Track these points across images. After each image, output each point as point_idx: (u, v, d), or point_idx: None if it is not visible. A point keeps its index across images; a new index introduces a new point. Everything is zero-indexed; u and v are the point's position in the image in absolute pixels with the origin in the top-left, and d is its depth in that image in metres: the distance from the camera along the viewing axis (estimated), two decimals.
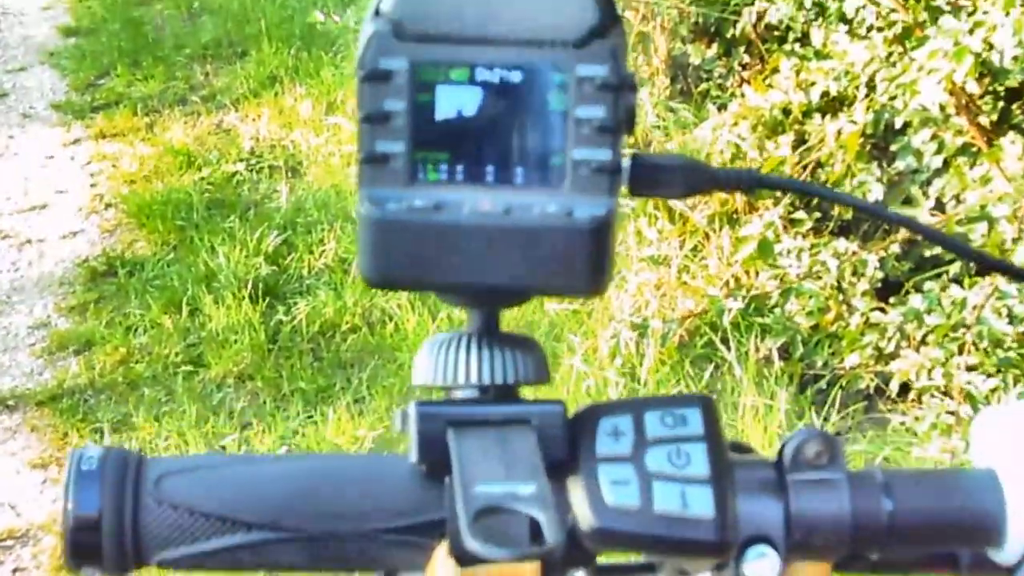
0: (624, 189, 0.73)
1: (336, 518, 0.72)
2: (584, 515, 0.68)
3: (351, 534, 0.72)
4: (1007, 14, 2.42)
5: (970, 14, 2.64)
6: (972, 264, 2.86)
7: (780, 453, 0.73)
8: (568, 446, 0.71)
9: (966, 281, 2.77)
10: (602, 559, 0.75)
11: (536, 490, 0.64)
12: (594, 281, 0.70)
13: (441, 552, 0.70)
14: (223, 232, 4.48)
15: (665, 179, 0.75)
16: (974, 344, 2.57)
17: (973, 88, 2.53)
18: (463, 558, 0.69)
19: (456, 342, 0.73)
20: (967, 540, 0.74)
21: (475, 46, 0.67)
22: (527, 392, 0.76)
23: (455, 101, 0.68)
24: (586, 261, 0.69)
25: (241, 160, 5.11)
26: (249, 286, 4.06)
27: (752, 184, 0.79)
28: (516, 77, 0.68)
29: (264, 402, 3.59)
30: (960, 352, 2.57)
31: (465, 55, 0.67)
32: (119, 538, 0.71)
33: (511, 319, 0.84)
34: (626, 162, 0.72)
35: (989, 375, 2.61)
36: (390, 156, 0.68)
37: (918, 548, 0.77)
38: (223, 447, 3.38)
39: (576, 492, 0.69)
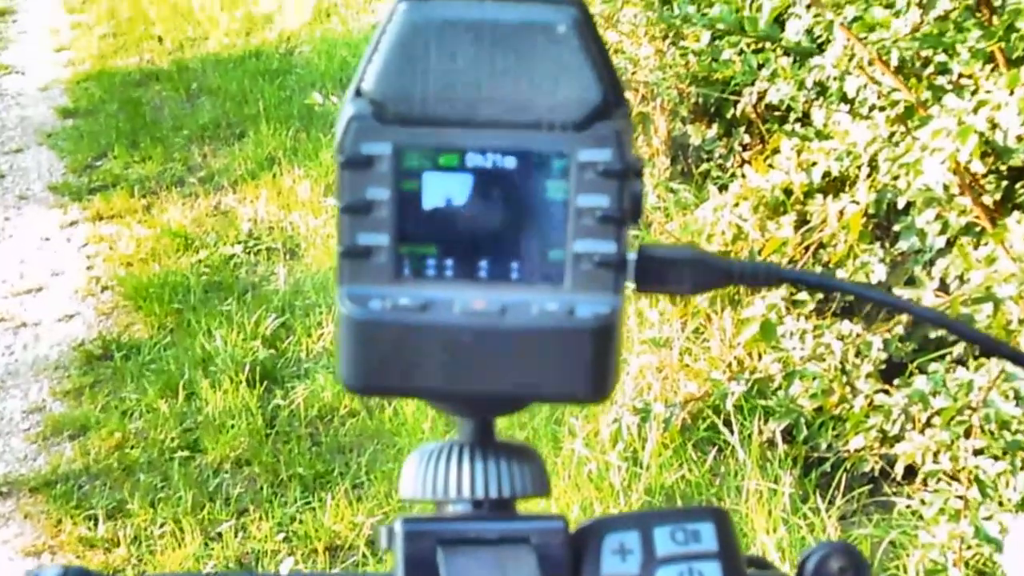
0: (630, 285, 0.67)
1: None
2: None
3: None
4: (1011, 92, 2.41)
5: (973, 92, 2.62)
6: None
7: (800, 569, 0.68)
8: (571, 566, 0.66)
9: (971, 363, 2.74)
10: None
11: None
12: (597, 386, 0.64)
13: None
14: (220, 315, 4.44)
15: (674, 274, 0.70)
16: (981, 427, 2.52)
17: (978, 167, 2.51)
18: None
19: (447, 452, 0.69)
20: None
21: (465, 129, 0.63)
22: (525, 506, 0.71)
23: (444, 189, 0.63)
24: (589, 365, 0.63)
25: (239, 242, 5.09)
26: (246, 370, 4.02)
27: (771, 280, 0.74)
28: (511, 163, 0.63)
29: (261, 488, 3.53)
30: (967, 436, 2.52)
31: (454, 139, 0.63)
32: None
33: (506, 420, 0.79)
34: (632, 255, 0.67)
35: (996, 458, 2.56)
36: (373, 249, 0.63)
37: None
38: (218, 533, 3.33)
39: None
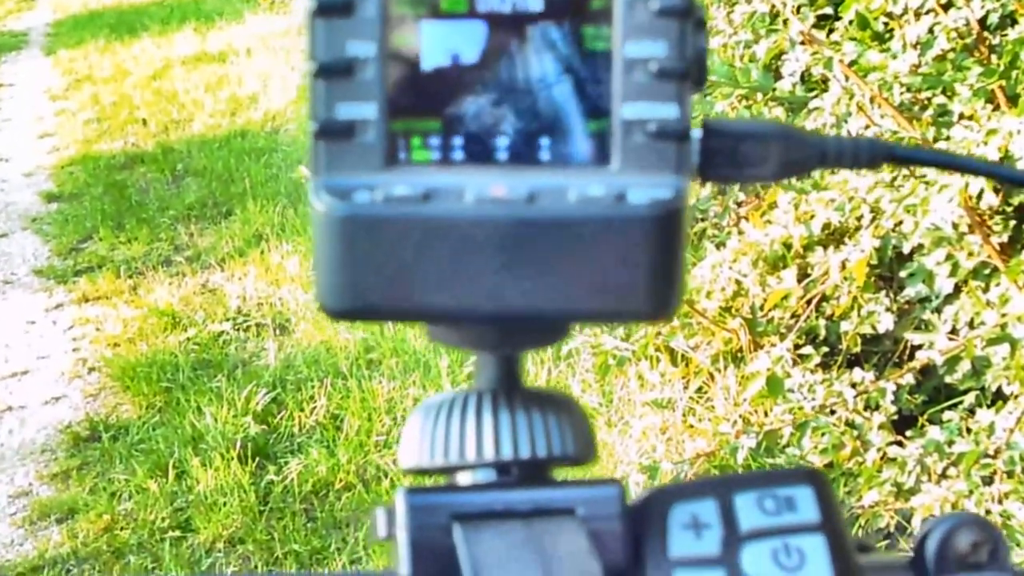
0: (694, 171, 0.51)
1: None
2: None
3: None
4: (1022, 121, 2.33)
5: (977, 125, 2.56)
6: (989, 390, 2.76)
7: (920, 547, 0.55)
8: (629, 545, 0.50)
9: (986, 405, 2.66)
10: None
11: None
12: (659, 298, 0.49)
13: None
14: (210, 392, 4.35)
15: (753, 154, 0.54)
16: (1008, 473, 2.43)
17: (992, 200, 2.42)
18: None
19: (462, 404, 0.53)
20: None
21: None
22: (563, 474, 0.54)
23: (448, 43, 0.48)
24: (648, 268, 0.48)
25: (228, 319, 5.01)
26: (238, 446, 3.92)
27: (876, 157, 0.58)
28: (536, 3, 0.48)
29: (256, 566, 3.43)
30: (989, 482, 2.43)
31: None
32: None
33: None
34: (697, 132, 0.52)
35: None
36: (357, 125, 0.48)
37: None
38: None
39: None
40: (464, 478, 0.53)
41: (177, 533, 3.63)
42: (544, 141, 0.48)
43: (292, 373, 4.42)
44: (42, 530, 3.79)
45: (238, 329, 4.93)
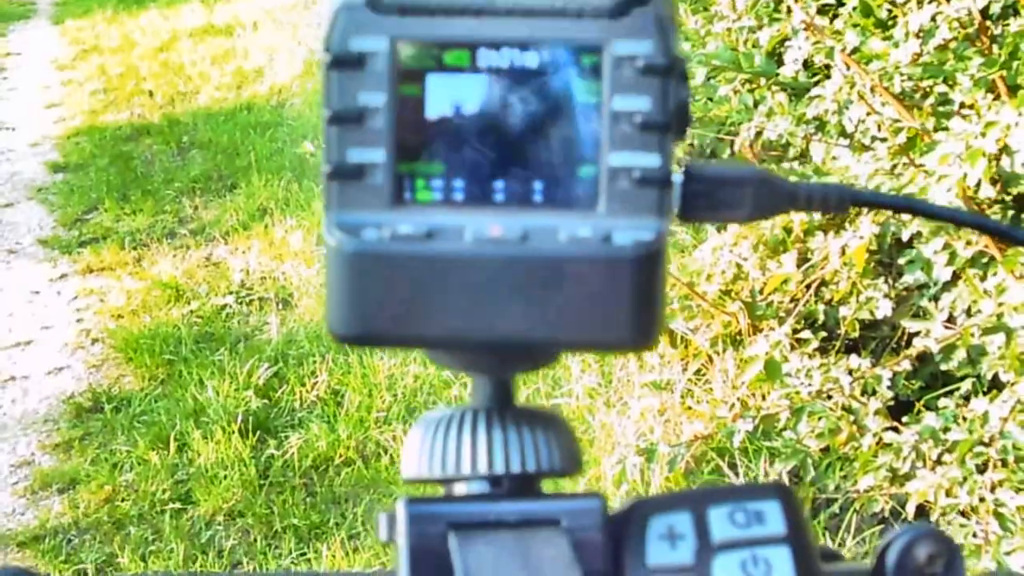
0: (674, 212, 0.56)
1: None
2: None
3: None
4: (1021, 113, 2.34)
5: (978, 115, 2.57)
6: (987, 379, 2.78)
7: (881, 558, 0.58)
8: (610, 554, 0.55)
9: (982, 393, 2.68)
10: None
11: None
12: (641, 329, 0.53)
13: None
14: (212, 365, 4.38)
15: (730, 196, 0.59)
16: (1002, 461, 2.45)
17: (988, 192, 2.44)
18: None
19: (458, 421, 0.58)
20: None
21: (477, 19, 0.52)
22: (551, 486, 0.59)
23: (451, 94, 0.52)
24: (630, 302, 0.52)
25: (231, 293, 5.03)
26: (239, 420, 3.95)
27: (843, 202, 0.62)
28: (532, 60, 0.52)
29: (255, 540, 3.45)
30: (983, 470, 2.45)
31: (464, 32, 0.52)
32: None
33: None
34: (677, 176, 0.56)
35: (1018, 490, 2.49)
36: (367, 168, 0.53)
37: None
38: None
39: None
40: (460, 489, 0.57)
41: (177, 505, 3.65)
42: (538, 185, 0.53)
43: (294, 348, 4.45)
44: (43, 500, 3.82)
45: (241, 303, 4.95)
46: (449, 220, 0.53)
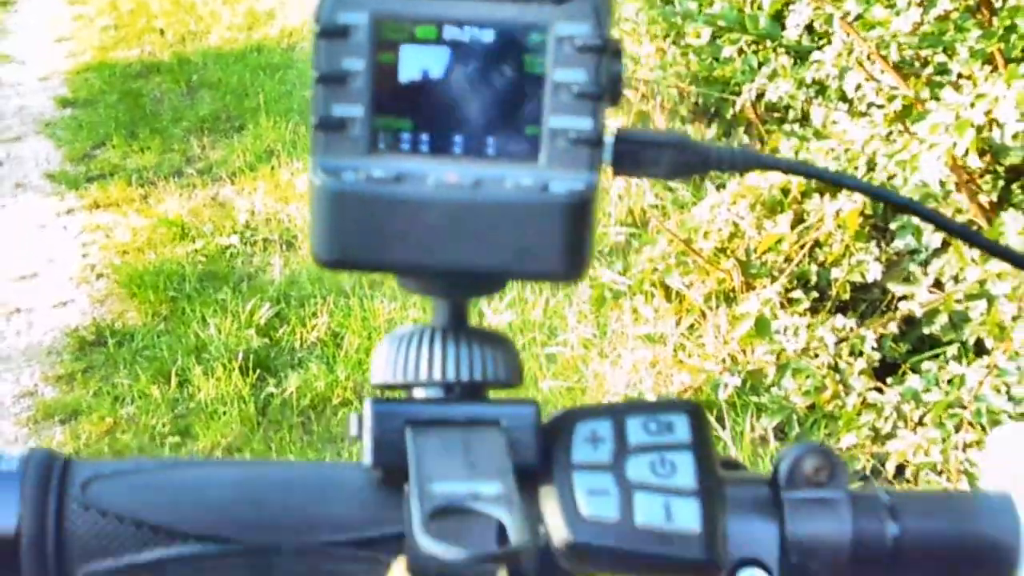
0: (607, 167, 0.66)
1: (282, 529, 0.65)
2: (558, 528, 0.61)
3: (298, 547, 0.65)
4: (1009, 86, 2.41)
5: (974, 86, 2.63)
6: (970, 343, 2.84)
7: (775, 469, 0.66)
8: (541, 452, 0.64)
9: (966, 358, 2.74)
10: None
11: (501, 490, 0.58)
12: (572, 263, 0.63)
13: (397, 569, 0.64)
14: (215, 304, 4.44)
15: (652, 157, 0.68)
16: (971, 423, 2.52)
17: (975, 163, 2.51)
18: (423, 574, 0.63)
19: (419, 336, 0.67)
20: (978, 568, 0.67)
21: (444, 1, 0.61)
22: (496, 395, 0.69)
23: (420, 62, 0.62)
24: (563, 241, 0.62)
25: (235, 233, 5.08)
26: (240, 358, 4.01)
27: (748, 165, 0.72)
28: (488, 36, 0.62)
29: None
30: (957, 430, 2.52)
31: (432, 11, 0.61)
32: (39, 549, 0.64)
33: None
34: (609, 138, 0.66)
35: None
36: (348, 121, 0.62)
37: None
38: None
39: (549, 503, 0.62)
40: (418, 393, 0.67)
41: (177, 439, 3.72)
42: (490, 140, 0.62)
43: (296, 289, 4.51)
44: (46, 430, 3.89)
45: (245, 243, 5.01)
46: (415, 167, 0.62)
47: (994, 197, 2.90)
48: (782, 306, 3.16)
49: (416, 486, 0.58)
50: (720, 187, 3.83)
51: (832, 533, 0.65)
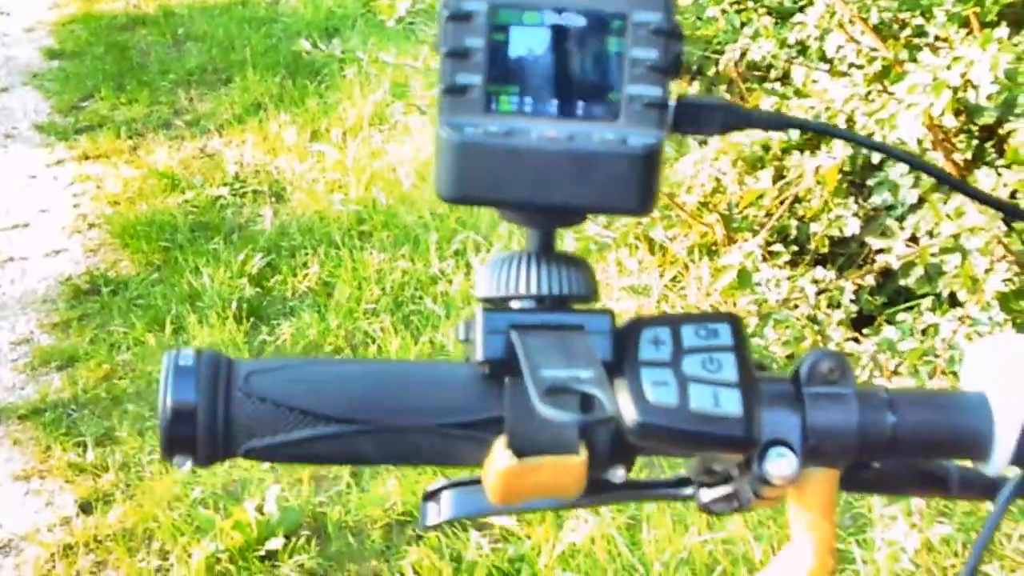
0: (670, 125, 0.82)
1: (404, 413, 0.79)
2: (629, 411, 0.75)
3: (418, 428, 0.79)
4: (984, 49, 2.52)
5: (950, 48, 2.73)
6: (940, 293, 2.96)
7: (797, 370, 0.81)
8: (615, 351, 0.78)
9: (940, 310, 2.86)
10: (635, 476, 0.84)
11: (595, 374, 0.72)
12: (644, 201, 0.78)
13: (499, 446, 0.77)
14: (207, 253, 4.52)
15: (706, 118, 0.84)
16: (944, 371, 2.64)
17: (950, 122, 2.63)
18: (520, 450, 0.77)
19: (516, 259, 0.81)
20: (959, 453, 0.83)
21: None
22: (578, 307, 0.84)
23: (527, 41, 0.76)
24: (638, 183, 0.77)
25: (225, 184, 5.16)
26: (233, 306, 4.10)
27: (782, 124, 0.92)
28: (580, 21, 0.76)
29: None
30: (931, 377, 2.64)
31: (537, 1, 0.76)
32: (211, 428, 0.78)
33: None
34: (672, 102, 0.80)
35: None
36: (468, 88, 0.76)
37: (916, 459, 0.87)
38: None
39: (621, 392, 0.76)
40: (515, 304, 0.81)
41: None
42: (580, 103, 0.77)
43: (286, 240, 4.60)
44: (43, 376, 3.97)
45: (235, 195, 5.08)
46: (521, 125, 0.77)
47: (968, 155, 3.01)
48: (763, 259, 3.27)
49: (529, 372, 0.71)
50: (703, 143, 3.92)
51: (843, 421, 0.80)
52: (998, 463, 0.81)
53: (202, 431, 0.78)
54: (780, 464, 0.78)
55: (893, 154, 0.98)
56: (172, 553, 3.08)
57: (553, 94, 0.77)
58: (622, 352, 0.78)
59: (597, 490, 0.82)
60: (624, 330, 0.80)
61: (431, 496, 0.91)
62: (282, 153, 5.37)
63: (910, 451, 0.82)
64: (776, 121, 0.92)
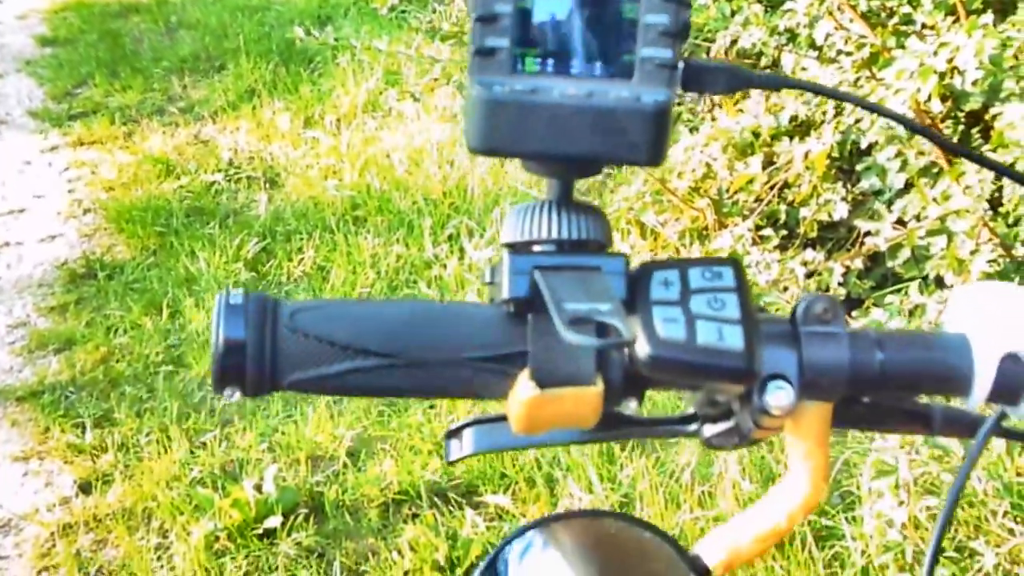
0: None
1: (435, 348, 0.86)
2: (641, 345, 0.81)
3: (448, 362, 0.86)
4: (969, 36, 2.58)
5: (937, 35, 2.78)
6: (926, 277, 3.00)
7: (794, 311, 0.88)
8: (628, 291, 0.85)
9: (927, 293, 2.90)
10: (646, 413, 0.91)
11: (613, 307, 0.78)
12: (655, 153, 0.84)
13: (523, 378, 0.84)
14: (203, 238, 4.56)
15: (712, 78, 0.90)
16: None
17: (937, 108, 2.68)
18: (542, 381, 0.83)
19: (538, 207, 0.88)
20: (942, 389, 0.90)
21: None
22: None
23: (549, 7, 0.83)
24: (650, 137, 0.83)
25: (219, 170, 5.20)
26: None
27: (779, 85, 1.01)
28: None
29: (244, 401, 3.63)
30: None
31: None
32: (260, 361, 0.84)
33: None
34: (681, 64, 0.87)
35: None
36: (496, 50, 0.83)
37: (903, 393, 0.92)
38: (203, 443, 3.46)
39: (634, 328, 0.82)
40: (537, 248, 0.88)
41: (170, 367, 3.85)
42: (598, 64, 0.84)
43: (281, 225, 4.63)
44: (40, 359, 4.01)
45: (230, 180, 5.12)
46: (544, 83, 0.83)
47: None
48: (754, 242, 3.32)
49: (553, 305, 0.77)
50: (694, 130, 3.97)
51: (836, 358, 0.86)
52: (977, 398, 0.88)
53: (251, 364, 0.84)
54: (779, 396, 0.85)
55: (889, 115, 1.04)
56: (171, 531, 3.13)
57: (573, 56, 0.84)
58: (635, 292, 0.85)
59: (611, 424, 0.90)
60: (636, 273, 0.86)
61: (453, 434, 0.99)
62: (276, 140, 5.41)
63: (897, 387, 0.88)
64: (776, 81, 1.00)
